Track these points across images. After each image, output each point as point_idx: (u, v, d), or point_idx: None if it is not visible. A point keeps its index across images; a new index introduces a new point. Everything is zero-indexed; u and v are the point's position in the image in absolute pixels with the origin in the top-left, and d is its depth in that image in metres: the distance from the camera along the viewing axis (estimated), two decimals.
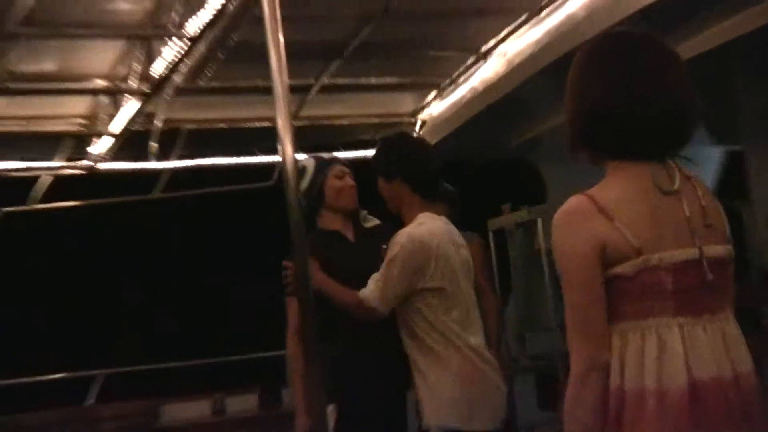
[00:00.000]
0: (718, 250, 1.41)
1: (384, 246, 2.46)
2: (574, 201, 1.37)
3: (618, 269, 1.34)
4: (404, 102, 4.51)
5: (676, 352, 1.32)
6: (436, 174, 2.49)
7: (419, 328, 2.32)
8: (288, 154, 2.16)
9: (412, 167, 2.44)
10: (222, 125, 4.33)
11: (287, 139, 2.14)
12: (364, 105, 4.41)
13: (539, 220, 4.51)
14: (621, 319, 1.35)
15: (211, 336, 6.01)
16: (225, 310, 6.15)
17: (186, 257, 6.39)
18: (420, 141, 2.62)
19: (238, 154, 4.61)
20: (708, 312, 1.37)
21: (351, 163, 2.72)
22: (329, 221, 2.63)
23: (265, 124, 4.13)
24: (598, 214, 1.35)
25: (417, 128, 4.64)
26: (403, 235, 2.36)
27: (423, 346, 2.31)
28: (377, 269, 2.37)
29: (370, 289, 2.33)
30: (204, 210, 5.80)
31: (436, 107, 4.48)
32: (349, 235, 2.62)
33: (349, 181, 2.63)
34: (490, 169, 5.33)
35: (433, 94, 4.40)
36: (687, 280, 1.36)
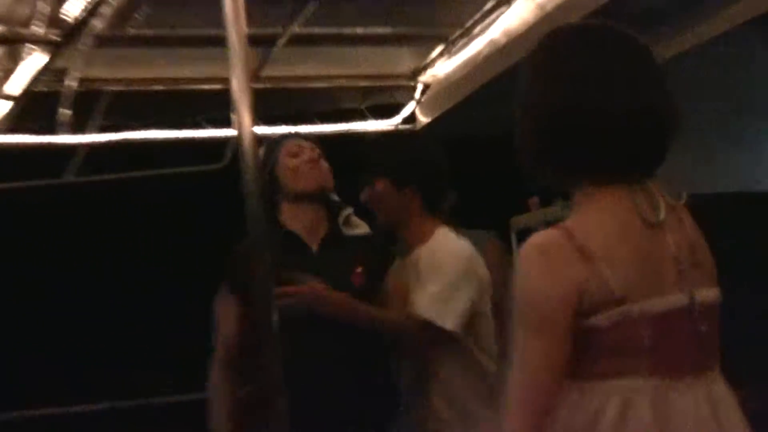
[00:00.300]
0: (710, 294, 1.50)
1: (359, 269, 2.50)
2: (548, 235, 1.46)
3: (592, 320, 1.43)
4: (401, 59, 4.51)
5: (643, 422, 1.39)
6: (449, 184, 2.66)
7: (470, 382, 2.48)
8: (245, 126, 2.17)
9: (431, 175, 2.59)
10: (157, 87, 4.32)
11: (245, 106, 2.16)
12: (347, 63, 4.41)
13: None
14: (585, 378, 1.44)
15: (130, 369, 5.97)
16: (152, 337, 6.11)
17: (104, 262, 6.31)
18: (435, 143, 2.77)
19: (179, 127, 4.62)
20: (693, 372, 1.45)
21: (330, 139, 2.74)
22: (292, 218, 2.63)
23: (215, 86, 4.12)
24: (576, 253, 1.43)
25: (417, 94, 4.65)
26: (454, 248, 2.50)
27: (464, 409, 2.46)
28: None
29: (434, 306, 2.41)
30: (132, 200, 5.74)
31: (443, 66, 4.48)
32: (314, 243, 2.60)
33: (309, 154, 2.64)
34: (514, 150, 5.33)
35: (439, 49, 4.40)
36: (670, 332, 1.44)
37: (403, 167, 2.57)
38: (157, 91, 4.33)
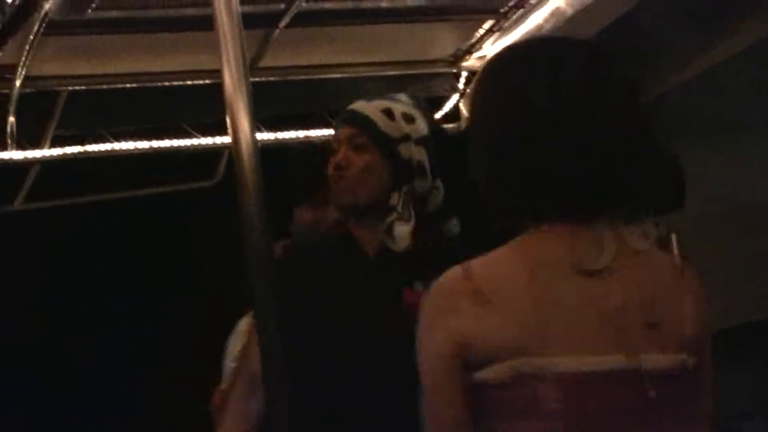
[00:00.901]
0: (661, 360, 1.60)
1: (416, 286, 2.45)
2: (447, 275, 1.65)
3: (485, 373, 1.58)
4: (439, 39, 4.49)
5: None
6: None
7: None
8: (242, 131, 2.20)
9: None
10: (128, 84, 4.31)
11: (241, 106, 2.20)
12: (369, 46, 4.40)
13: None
14: None
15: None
16: (128, 394, 6.22)
17: (67, 306, 6.33)
18: None
19: (159, 136, 4.62)
20: None
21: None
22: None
23: (203, 81, 4.14)
24: (471, 296, 1.60)
25: (462, 83, 4.64)
26: None
27: None
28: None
29: None
30: (100, 229, 5.78)
31: (493, 48, 4.44)
32: (371, 249, 2.58)
33: (341, 153, 2.58)
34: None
35: (488, 24, 4.36)
36: (593, 400, 1.56)
37: None
38: (128, 90, 4.32)
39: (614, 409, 1.57)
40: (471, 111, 1.77)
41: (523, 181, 1.65)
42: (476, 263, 1.64)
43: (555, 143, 1.61)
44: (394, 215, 2.53)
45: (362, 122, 2.57)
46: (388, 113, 2.59)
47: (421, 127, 2.59)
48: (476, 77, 1.80)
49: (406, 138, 2.57)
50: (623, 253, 1.61)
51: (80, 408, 6.15)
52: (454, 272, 1.63)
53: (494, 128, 1.67)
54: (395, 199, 2.53)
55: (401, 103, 2.62)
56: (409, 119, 2.59)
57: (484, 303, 1.58)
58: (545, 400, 1.55)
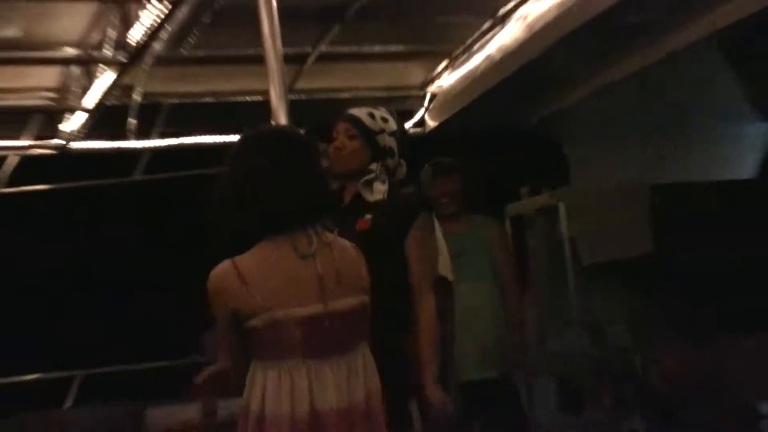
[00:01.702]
0: (346, 303, 1.87)
1: (367, 217, 2.43)
2: (222, 266, 1.85)
3: (252, 323, 1.83)
4: (412, 72, 4.50)
5: (302, 388, 1.83)
6: None
7: None
8: None
9: None
10: (208, 99, 4.33)
11: (281, 113, 2.24)
12: (367, 76, 4.40)
13: (561, 205, 4.53)
14: (263, 359, 1.86)
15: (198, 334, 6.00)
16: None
17: (170, 246, 6.35)
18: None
19: (227, 133, 4.56)
20: (336, 353, 1.85)
21: None
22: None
23: (257, 97, 4.13)
24: (236, 279, 1.82)
25: (426, 102, 4.64)
26: None
27: None
28: None
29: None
30: (188, 194, 5.72)
31: (447, 78, 4.47)
32: (348, 198, 2.55)
33: (339, 140, 2.54)
34: (508, 147, 5.30)
35: (444, 63, 4.38)
36: (314, 331, 1.83)
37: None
38: (207, 103, 4.34)
39: (322, 337, 1.83)
40: (229, 170, 1.86)
41: (256, 214, 1.83)
42: (238, 259, 1.83)
43: (270, 191, 1.81)
44: (373, 176, 2.50)
45: (354, 120, 2.54)
46: (371, 115, 2.57)
47: (393, 125, 2.56)
48: (234, 148, 1.90)
49: (382, 131, 2.54)
50: (321, 244, 1.86)
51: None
52: (225, 265, 1.83)
53: (242, 184, 1.84)
54: (375, 167, 2.51)
55: (380, 110, 2.62)
56: (384, 120, 2.57)
57: (245, 284, 1.80)
58: (293, 335, 1.80)
